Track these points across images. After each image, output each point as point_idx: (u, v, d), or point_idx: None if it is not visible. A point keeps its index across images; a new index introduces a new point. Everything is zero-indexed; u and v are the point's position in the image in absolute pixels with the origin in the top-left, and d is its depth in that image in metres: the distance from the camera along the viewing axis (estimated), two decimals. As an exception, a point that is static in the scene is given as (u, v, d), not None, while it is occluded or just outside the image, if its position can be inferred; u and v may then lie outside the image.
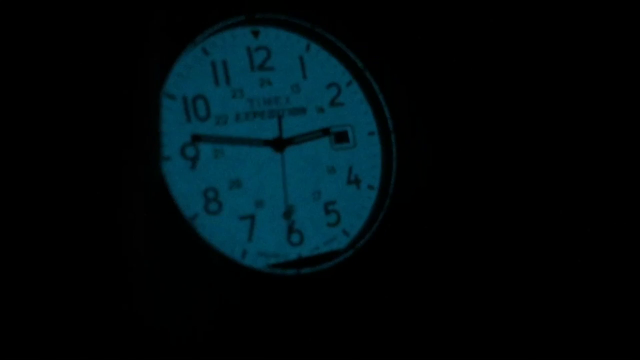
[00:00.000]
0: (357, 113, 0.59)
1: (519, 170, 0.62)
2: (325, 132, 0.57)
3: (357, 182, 0.58)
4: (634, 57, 0.61)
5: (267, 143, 0.54)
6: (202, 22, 0.53)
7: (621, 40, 0.61)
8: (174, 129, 0.51)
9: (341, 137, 0.58)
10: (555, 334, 0.58)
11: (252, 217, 0.53)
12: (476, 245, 0.60)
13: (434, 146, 0.60)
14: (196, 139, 0.52)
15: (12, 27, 0.44)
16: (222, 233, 0.52)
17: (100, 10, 0.48)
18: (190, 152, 0.51)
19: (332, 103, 0.58)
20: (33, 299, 0.45)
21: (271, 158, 0.54)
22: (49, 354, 0.45)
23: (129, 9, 0.50)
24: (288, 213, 0.54)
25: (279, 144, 0.55)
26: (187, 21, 0.52)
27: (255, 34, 0.56)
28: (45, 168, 0.44)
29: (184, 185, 0.51)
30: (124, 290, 0.46)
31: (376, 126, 0.59)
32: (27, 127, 0.44)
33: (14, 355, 0.44)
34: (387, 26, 0.60)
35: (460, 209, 0.60)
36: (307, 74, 0.57)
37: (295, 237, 0.55)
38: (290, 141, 0.55)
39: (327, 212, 0.56)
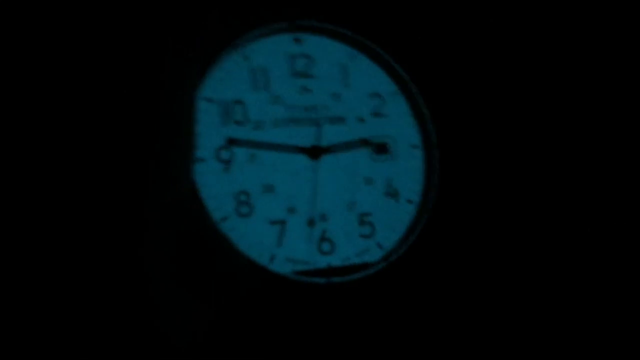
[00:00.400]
0: (401, 125, 0.58)
1: (565, 190, 0.59)
2: (364, 142, 0.56)
3: (395, 195, 0.57)
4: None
5: (302, 150, 0.54)
6: (243, 28, 0.54)
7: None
8: (210, 131, 0.52)
9: (381, 149, 0.57)
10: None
11: (282, 223, 0.53)
12: (514, 268, 0.58)
13: (478, 162, 0.58)
14: (231, 142, 0.52)
15: (44, 25, 0.46)
16: (251, 236, 0.52)
17: (141, 13, 0.49)
18: (224, 155, 0.52)
19: (374, 114, 0.57)
20: (64, 298, 0.46)
21: (306, 165, 0.54)
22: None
23: (170, 11, 0.51)
24: (312, 222, 0.53)
25: (314, 152, 0.54)
26: (229, 26, 0.53)
27: (298, 41, 0.56)
28: (77, 168, 0.46)
29: (216, 187, 0.51)
30: (148, 291, 0.47)
31: (420, 139, 0.58)
32: (66, 126, 0.46)
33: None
34: (435, 37, 0.58)
35: (500, 230, 0.58)
36: (350, 83, 0.57)
37: (325, 246, 0.54)
38: (327, 150, 0.55)
39: (362, 223, 0.55)
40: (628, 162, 0.61)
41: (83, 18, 0.47)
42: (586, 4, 0.61)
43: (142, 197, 0.47)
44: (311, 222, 0.54)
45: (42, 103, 0.46)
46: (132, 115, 0.48)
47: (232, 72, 0.53)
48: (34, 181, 0.45)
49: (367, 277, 0.54)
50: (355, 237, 0.55)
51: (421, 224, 0.56)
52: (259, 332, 0.51)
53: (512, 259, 0.58)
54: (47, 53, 0.46)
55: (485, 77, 0.59)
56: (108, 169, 0.47)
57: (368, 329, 0.54)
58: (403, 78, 0.58)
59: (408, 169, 0.57)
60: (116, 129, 0.47)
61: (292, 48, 0.56)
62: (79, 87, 0.46)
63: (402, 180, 0.57)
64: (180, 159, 0.50)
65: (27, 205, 0.45)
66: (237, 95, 0.53)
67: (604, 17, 0.61)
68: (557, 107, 0.60)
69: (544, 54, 0.60)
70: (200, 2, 0.52)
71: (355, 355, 0.53)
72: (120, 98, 0.48)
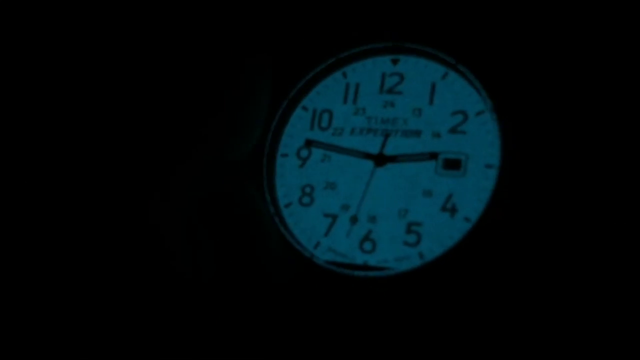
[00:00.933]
0: (480, 143, 0.57)
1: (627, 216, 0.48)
2: (432, 156, 0.58)
3: (452, 210, 0.56)
4: None
5: (368, 156, 0.60)
6: (348, 46, 0.63)
7: None
8: (298, 133, 0.63)
9: (452, 164, 0.57)
10: None
11: (334, 217, 0.60)
12: (561, 297, 0.50)
13: (548, 191, 0.53)
14: (308, 143, 0.62)
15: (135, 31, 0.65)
16: (305, 223, 0.61)
17: (256, 28, 0.64)
18: (303, 153, 0.63)
19: (453, 130, 0.58)
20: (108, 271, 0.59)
21: (370, 171, 0.60)
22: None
23: (281, 26, 0.64)
24: (355, 219, 0.58)
25: (380, 159, 0.59)
26: (333, 46, 0.63)
27: (395, 61, 0.62)
28: (164, 153, 0.63)
29: (290, 178, 0.62)
30: (197, 257, 0.61)
31: (499, 160, 0.56)
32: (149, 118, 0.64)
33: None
34: (525, 66, 0.56)
35: (553, 260, 0.51)
36: (435, 100, 0.59)
37: (367, 245, 0.58)
38: (392, 159, 0.59)
39: (409, 231, 0.57)
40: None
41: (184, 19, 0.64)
42: None
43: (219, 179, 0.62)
44: (354, 220, 0.59)
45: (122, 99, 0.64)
46: (232, 111, 0.63)
47: (330, 86, 0.63)
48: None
49: (404, 273, 0.56)
50: (399, 243, 0.57)
51: (469, 240, 0.55)
52: (289, 313, 0.59)
53: (561, 288, 0.51)
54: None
55: (571, 109, 0.53)
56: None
57: (401, 325, 0.56)
58: (493, 99, 0.57)
59: (475, 187, 0.56)
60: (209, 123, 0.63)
61: (388, 67, 0.62)
62: (170, 83, 0.64)
63: (464, 198, 0.56)
64: (260, 153, 0.62)
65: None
66: (328, 105, 0.63)
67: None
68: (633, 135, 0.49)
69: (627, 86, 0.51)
70: (314, 16, 0.64)
71: (377, 353, 0.56)
72: (223, 98, 0.63)
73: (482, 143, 0.57)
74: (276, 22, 0.64)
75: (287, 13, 0.64)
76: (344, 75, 0.63)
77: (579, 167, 0.52)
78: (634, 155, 0.50)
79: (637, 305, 0.48)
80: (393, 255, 0.57)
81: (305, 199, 0.61)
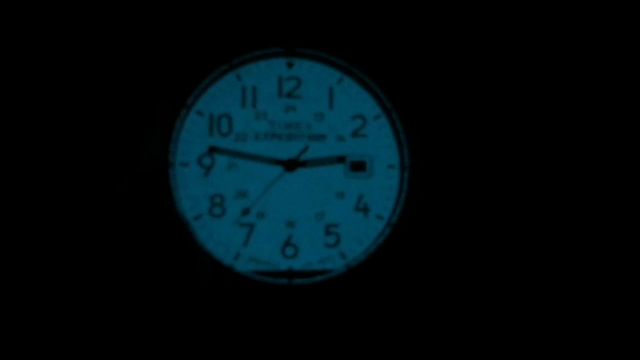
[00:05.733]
0: (380, 146, 0.62)
1: (540, 213, 0.61)
2: (340, 159, 0.62)
3: (365, 210, 0.61)
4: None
5: (278, 162, 0.61)
6: (239, 51, 0.61)
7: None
8: (197, 140, 0.60)
9: (357, 166, 0.62)
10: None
11: (251, 225, 0.60)
12: (475, 291, 0.60)
13: (449, 186, 0.61)
14: (212, 150, 0.60)
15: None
16: (220, 235, 0.59)
17: (143, 29, 0.59)
18: (206, 161, 0.60)
19: (355, 134, 0.62)
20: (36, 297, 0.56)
21: (281, 176, 0.61)
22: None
23: (173, 26, 0.59)
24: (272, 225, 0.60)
25: (290, 164, 0.61)
26: (226, 48, 0.61)
27: (290, 65, 0.62)
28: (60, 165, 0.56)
29: (195, 189, 0.60)
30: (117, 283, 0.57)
31: (398, 160, 0.62)
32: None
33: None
34: (421, 69, 0.62)
35: (462, 248, 0.61)
36: (334, 104, 0.62)
37: (289, 250, 0.60)
38: (302, 163, 0.61)
39: (328, 233, 0.61)
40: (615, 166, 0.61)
41: (78, 19, 0.57)
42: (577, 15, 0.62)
43: (117, 189, 0.57)
44: (272, 226, 0.60)
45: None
46: (124, 116, 0.57)
47: (225, 89, 0.61)
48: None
49: (329, 279, 0.60)
50: (320, 245, 0.61)
51: (383, 236, 0.60)
52: (219, 328, 0.58)
53: (474, 278, 0.61)
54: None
55: (467, 109, 0.62)
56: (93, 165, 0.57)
57: (328, 330, 0.60)
58: (387, 103, 0.62)
59: (382, 187, 0.62)
60: (104, 126, 0.57)
61: (284, 71, 0.62)
62: (70, 85, 0.56)
63: (374, 197, 0.62)
64: (160, 161, 0.58)
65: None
66: (226, 109, 0.61)
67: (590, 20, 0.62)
68: (535, 136, 0.61)
69: (526, 83, 0.62)
70: (204, 21, 0.60)
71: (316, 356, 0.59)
72: (113, 100, 0.57)
73: (382, 145, 0.62)
74: (166, 26, 0.59)
75: (177, 17, 0.60)
76: (238, 77, 0.61)
77: (474, 161, 0.62)
78: (525, 143, 0.61)
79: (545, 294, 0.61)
80: (316, 257, 0.61)
81: (216, 210, 0.60)
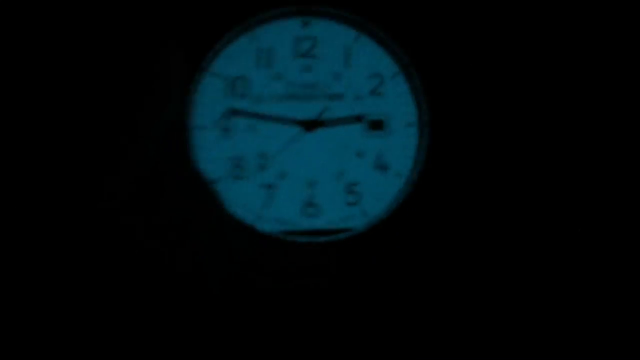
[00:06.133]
0: (398, 104, 0.62)
1: (555, 173, 0.61)
2: (358, 118, 0.61)
3: (384, 168, 0.61)
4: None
5: (297, 123, 0.61)
6: (253, 10, 0.60)
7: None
8: (213, 102, 0.60)
9: (376, 125, 0.62)
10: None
11: (272, 186, 0.60)
12: (494, 248, 0.61)
13: (470, 142, 0.61)
14: (232, 112, 0.60)
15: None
16: (241, 197, 0.59)
17: None
18: (224, 124, 0.60)
19: (372, 92, 0.62)
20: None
21: (301, 137, 0.61)
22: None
23: None
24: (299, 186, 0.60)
25: (309, 125, 0.61)
26: (239, 9, 0.60)
27: (305, 24, 0.62)
28: (83, 126, 0.56)
29: (214, 151, 0.59)
30: (139, 249, 0.57)
31: (416, 118, 0.62)
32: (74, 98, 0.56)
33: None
34: (437, 24, 0.62)
35: (482, 205, 0.61)
36: (351, 63, 0.62)
37: (311, 210, 0.60)
38: (321, 123, 0.61)
39: (349, 191, 0.61)
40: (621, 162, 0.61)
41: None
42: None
43: (138, 155, 0.57)
44: (298, 187, 0.60)
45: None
46: (137, 78, 0.57)
47: (240, 51, 0.61)
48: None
49: (351, 237, 0.60)
50: (341, 203, 0.61)
51: (405, 194, 0.61)
52: (245, 289, 0.59)
53: (493, 235, 0.61)
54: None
55: (482, 65, 0.62)
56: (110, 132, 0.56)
57: (350, 288, 0.60)
58: (404, 60, 0.62)
59: (401, 145, 0.62)
60: (117, 89, 0.56)
61: (299, 31, 0.62)
62: (77, 51, 0.56)
63: (393, 155, 0.62)
64: (178, 124, 0.58)
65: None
66: (242, 71, 0.60)
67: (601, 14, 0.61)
68: (551, 93, 0.61)
69: (542, 41, 0.61)
70: None
71: (337, 316, 0.60)
72: (126, 64, 0.57)
73: (400, 103, 0.62)
74: None
75: None
76: (254, 38, 0.61)
77: (492, 120, 0.62)
78: (544, 103, 0.61)
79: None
80: (338, 215, 0.61)
81: (237, 172, 0.60)
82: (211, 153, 0.59)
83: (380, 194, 0.61)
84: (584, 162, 0.61)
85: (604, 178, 0.61)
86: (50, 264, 0.55)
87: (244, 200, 0.60)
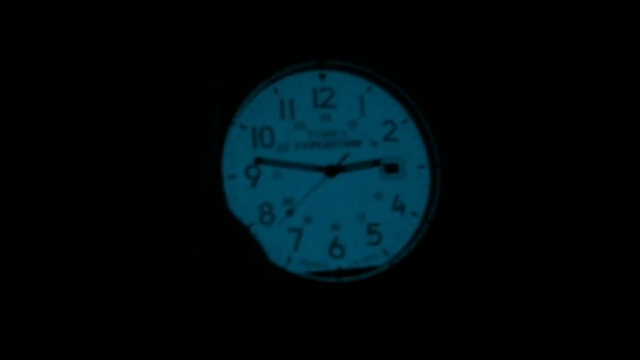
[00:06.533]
0: (410, 148, 0.67)
1: (563, 206, 0.66)
2: (376, 162, 0.66)
3: (401, 208, 0.66)
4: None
5: (320, 169, 0.64)
6: (276, 66, 0.64)
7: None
8: (242, 152, 0.63)
9: (391, 168, 0.66)
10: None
11: (299, 230, 0.63)
12: (512, 274, 0.65)
13: (479, 179, 0.66)
14: (258, 161, 0.63)
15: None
16: (271, 241, 0.63)
17: (189, 50, 0.61)
18: (253, 172, 0.63)
19: (386, 138, 0.66)
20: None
21: (323, 182, 0.64)
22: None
23: (214, 52, 0.62)
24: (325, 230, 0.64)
25: (331, 170, 0.64)
26: (264, 64, 0.64)
27: (322, 76, 0.66)
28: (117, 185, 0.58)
29: (245, 199, 0.62)
30: (178, 287, 0.59)
31: (427, 160, 0.67)
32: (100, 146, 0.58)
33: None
34: (442, 73, 0.67)
35: (497, 238, 0.66)
36: (366, 112, 0.66)
37: (337, 251, 0.64)
38: (342, 169, 0.65)
39: (370, 232, 0.65)
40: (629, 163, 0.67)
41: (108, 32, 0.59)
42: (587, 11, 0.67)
43: (179, 207, 0.59)
44: (323, 229, 0.64)
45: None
46: (176, 135, 0.60)
47: (264, 103, 0.64)
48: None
49: (374, 276, 0.64)
50: (364, 244, 0.65)
51: (423, 232, 0.65)
52: (275, 327, 0.61)
53: (510, 265, 0.66)
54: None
55: (484, 109, 0.67)
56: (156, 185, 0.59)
57: (373, 325, 0.63)
58: (414, 107, 0.67)
59: (415, 186, 0.66)
60: (157, 144, 0.59)
61: (317, 83, 0.66)
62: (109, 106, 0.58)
63: (408, 196, 0.66)
64: (213, 175, 0.61)
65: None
66: (267, 122, 0.64)
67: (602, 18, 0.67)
68: (555, 128, 0.67)
69: (541, 81, 0.67)
70: (241, 41, 0.63)
71: (361, 352, 0.63)
72: (166, 119, 0.59)
73: (411, 147, 0.67)
74: (204, 46, 0.62)
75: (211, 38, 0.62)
76: (276, 91, 0.65)
77: (499, 156, 0.67)
78: (546, 136, 0.67)
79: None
80: (361, 255, 0.65)
81: (266, 218, 0.63)
82: (241, 201, 0.63)
83: (399, 233, 0.66)
84: (591, 196, 0.67)
85: (609, 201, 0.67)
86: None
87: (274, 245, 0.63)
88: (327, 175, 0.65)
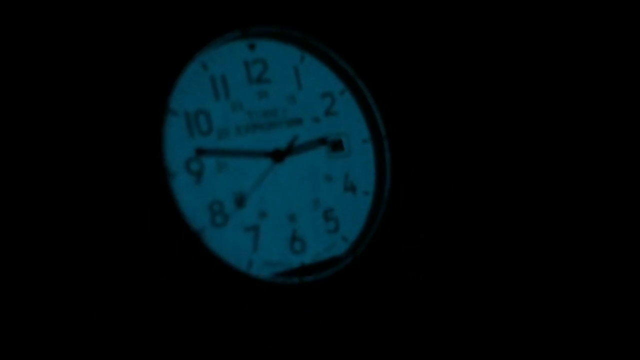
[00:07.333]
0: (351, 121, 0.60)
1: (514, 172, 0.64)
2: (322, 141, 0.58)
3: (353, 188, 0.59)
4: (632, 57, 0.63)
5: (267, 154, 0.56)
6: (200, 38, 0.54)
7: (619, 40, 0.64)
8: (177, 144, 0.52)
9: (336, 146, 0.59)
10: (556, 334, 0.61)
11: (256, 228, 0.54)
12: (473, 247, 0.63)
13: (428, 150, 0.62)
14: (200, 152, 0.53)
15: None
16: (228, 244, 0.53)
17: (103, 30, 0.49)
18: (194, 166, 0.52)
19: (327, 112, 0.59)
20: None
21: (272, 169, 0.56)
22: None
23: (130, 27, 0.50)
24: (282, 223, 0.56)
25: (278, 155, 0.56)
26: (186, 37, 0.53)
27: (252, 47, 0.57)
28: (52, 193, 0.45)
29: (191, 199, 0.52)
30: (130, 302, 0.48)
31: (369, 133, 0.61)
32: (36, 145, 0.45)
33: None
34: (378, 34, 0.61)
35: (455, 212, 0.62)
36: (302, 84, 0.58)
37: (297, 245, 0.56)
38: (289, 152, 0.57)
39: (327, 219, 0.58)
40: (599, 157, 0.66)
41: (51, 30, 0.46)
42: None
43: (121, 213, 0.47)
44: (281, 224, 0.55)
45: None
46: (103, 129, 0.48)
47: (193, 82, 0.53)
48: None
49: (337, 273, 0.57)
50: (323, 233, 0.58)
51: (379, 215, 0.59)
52: (240, 335, 0.52)
53: (471, 238, 0.63)
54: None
55: (427, 68, 0.63)
56: (87, 192, 0.46)
57: (343, 322, 0.57)
58: (350, 76, 0.60)
59: (362, 162, 0.60)
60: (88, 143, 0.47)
61: (247, 54, 0.56)
62: (46, 103, 0.45)
63: (357, 174, 0.60)
64: (156, 174, 0.50)
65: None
66: (201, 104, 0.53)
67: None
68: (503, 87, 0.65)
69: (489, 36, 0.64)
70: (156, 15, 0.52)
71: (333, 351, 0.56)
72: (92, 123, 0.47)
73: (352, 120, 0.61)
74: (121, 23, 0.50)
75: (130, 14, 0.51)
76: (204, 67, 0.54)
77: (444, 126, 0.64)
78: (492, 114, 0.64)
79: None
80: (322, 246, 0.57)
81: (218, 219, 0.53)
82: (189, 202, 0.52)
83: (354, 216, 0.59)
84: (546, 164, 0.66)
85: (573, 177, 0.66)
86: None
87: (232, 248, 0.53)
88: (275, 161, 0.56)
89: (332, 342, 0.56)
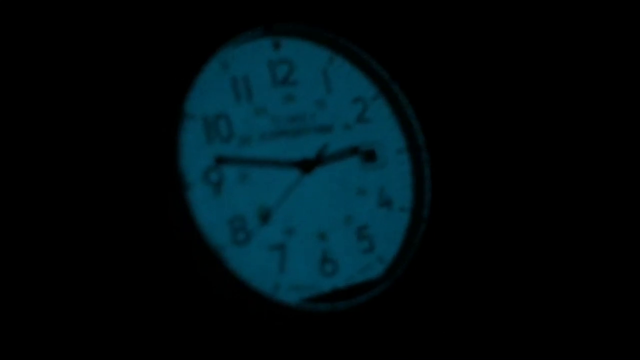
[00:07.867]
0: (385, 129, 0.55)
1: (559, 184, 0.58)
2: (353, 151, 0.53)
3: (388, 204, 0.53)
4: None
5: (294, 164, 0.50)
6: (219, 34, 0.48)
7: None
8: (195, 152, 0.46)
9: (369, 156, 0.53)
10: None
11: (282, 247, 0.48)
12: (523, 270, 0.56)
13: (471, 161, 0.56)
14: (220, 161, 0.47)
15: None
16: (251, 265, 0.47)
17: (113, 26, 0.44)
18: (213, 176, 0.46)
19: (359, 119, 0.54)
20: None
21: (299, 181, 0.50)
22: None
23: (142, 23, 0.45)
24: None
25: (307, 165, 0.50)
26: (204, 34, 0.48)
27: (277, 45, 0.51)
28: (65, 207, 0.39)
29: (209, 214, 0.46)
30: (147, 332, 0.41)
31: (405, 143, 0.55)
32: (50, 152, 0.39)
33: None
34: (413, 34, 0.56)
35: (502, 231, 0.56)
36: (332, 88, 0.53)
37: (328, 267, 0.50)
38: (319, 162, 0.51)
39: (360, 237, 0.52)
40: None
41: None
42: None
43: (129, 227, 0.42)
44: (310, 243, 0.49)
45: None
46: (112, 135, 0.42)
47: (212, 83, 0.48)
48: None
49: (372, 298, 0.50)
50: (357, 253, 0.51)
51: (418, 234, 0.53)
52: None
53: (515, 259, 0.56)
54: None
55: (468, 71, 0.57)
56: (99, 209, 0.41)
57: (379, 355, 0.51)
58: (384, 80, 0.54)
59: (397, 175, 0.54)
60: (100, 153, 0.41)
61: (272, 54, 0.51)
62: (57, 111, 0.40)
63: (393, 188, 0.54)
64: (169, 183, 0.44)
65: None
66: (220, 108, 0.48)
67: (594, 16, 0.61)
68: (543, 102, 0.59)
69: (525, 50, 0.59)
70: (171, 10, 0.47)
71: None
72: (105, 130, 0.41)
73: (386, 128, 0.55)
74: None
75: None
76: (224, 66, 0.49)
77: (477, 137, 0.58)
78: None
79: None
80: (356, 268, 0.51)
81: (240, 236, 0.47)
82: (206, 217, 0.46)
83: (390, 235, 0.53)
84: (590, 188, 0.59)
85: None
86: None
87: (256, 269, 0.47)
88: (303, 172, 0.50)
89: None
